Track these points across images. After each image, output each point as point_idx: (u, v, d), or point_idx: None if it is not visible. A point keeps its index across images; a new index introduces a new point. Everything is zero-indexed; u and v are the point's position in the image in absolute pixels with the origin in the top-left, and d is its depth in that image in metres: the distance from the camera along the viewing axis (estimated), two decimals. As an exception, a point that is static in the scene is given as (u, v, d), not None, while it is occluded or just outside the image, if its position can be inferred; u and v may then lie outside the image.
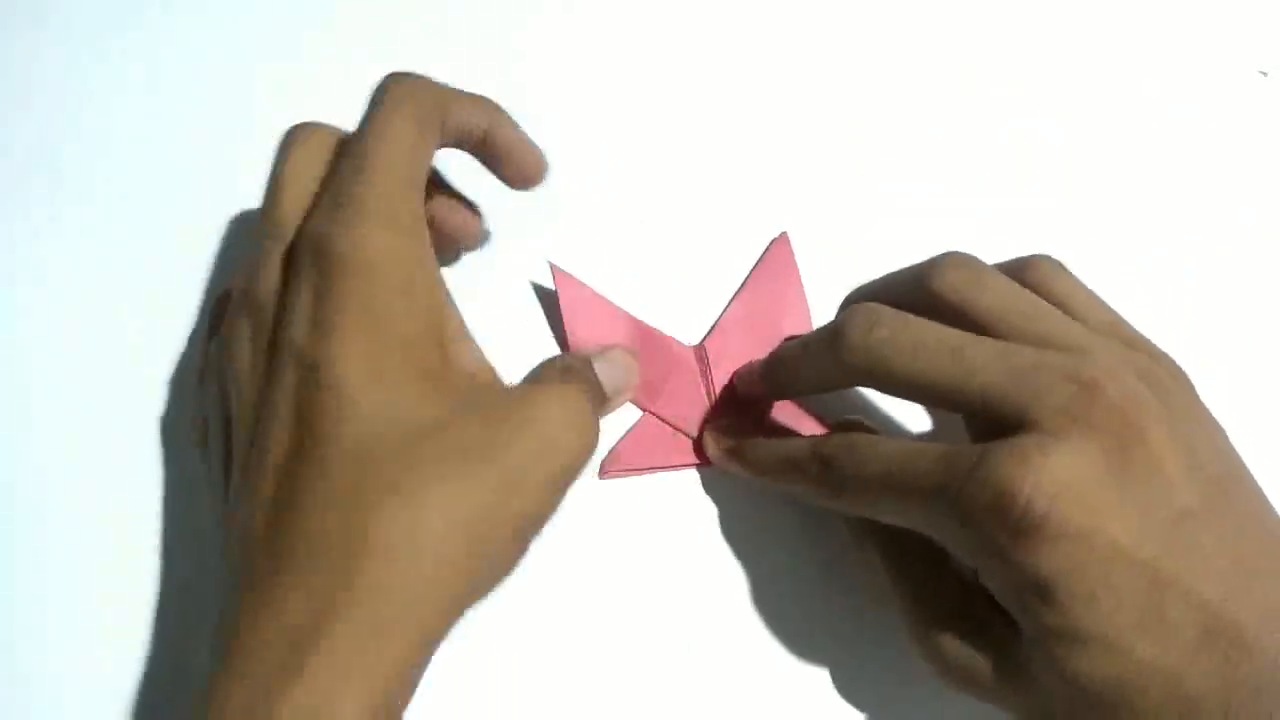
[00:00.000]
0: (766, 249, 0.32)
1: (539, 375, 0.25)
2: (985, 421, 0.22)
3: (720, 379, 0.30)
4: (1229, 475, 0.23)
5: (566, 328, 0.30)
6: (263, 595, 0.20)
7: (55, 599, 0.27)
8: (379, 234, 0.22)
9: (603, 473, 0.29)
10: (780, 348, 0.28)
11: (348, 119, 0.25)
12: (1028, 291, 0.25)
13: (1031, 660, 0.22)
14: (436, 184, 0.29)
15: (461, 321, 0.25)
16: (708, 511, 0.29)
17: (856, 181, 0.34)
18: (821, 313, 0.31)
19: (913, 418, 0.31)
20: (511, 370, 0.25)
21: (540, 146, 0.27)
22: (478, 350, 0.24)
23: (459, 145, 0.26)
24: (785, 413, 0.30)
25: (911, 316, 0.24)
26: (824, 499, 0.25)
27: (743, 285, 0.32)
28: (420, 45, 0.34)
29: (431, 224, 0.28)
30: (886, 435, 0.25)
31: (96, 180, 0.32)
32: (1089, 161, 0.35)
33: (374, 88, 0.25)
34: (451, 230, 0.29)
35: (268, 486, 0.21)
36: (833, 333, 0.24)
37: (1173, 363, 0.25)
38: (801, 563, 0.29)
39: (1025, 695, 0.22)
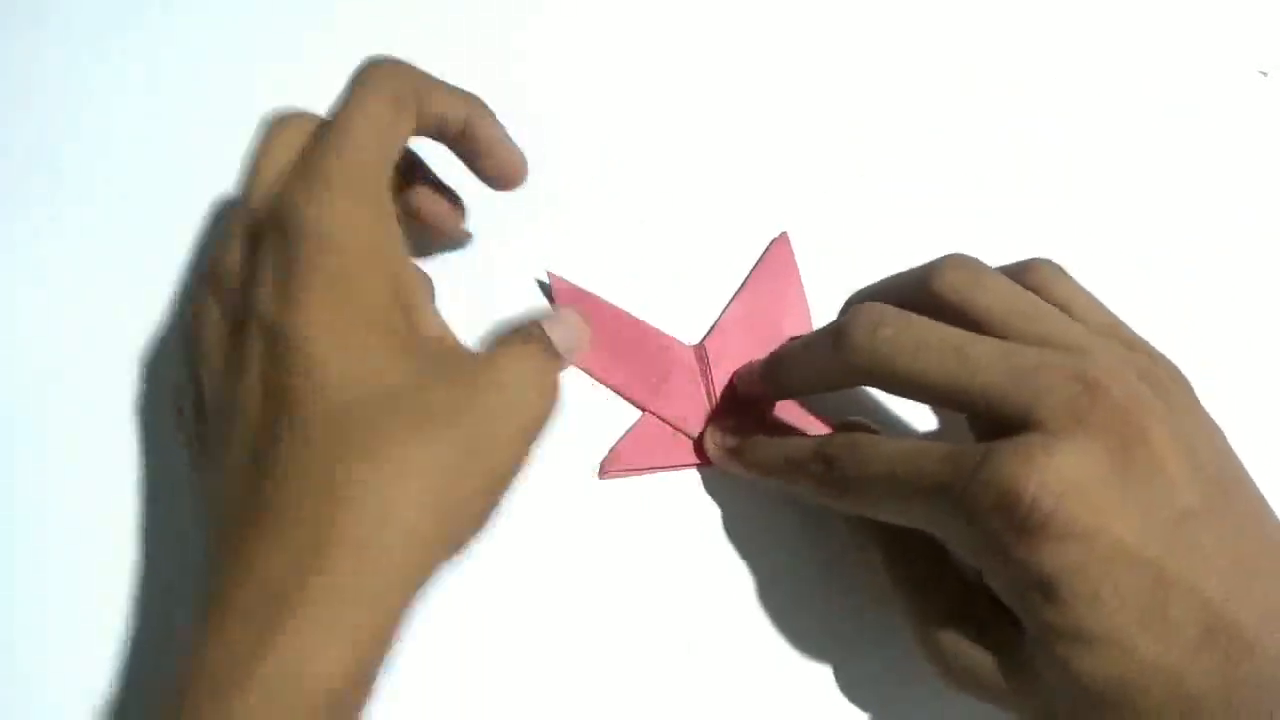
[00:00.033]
0: (766, 249, 0.32)
1: (500, 340, 0.25)
2: (988, 421, 0.22)
3: (720, 379, 0.30)
4: (1228, 476, 0.23)
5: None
6: (240, 559, 0.20)
7: (55, 599, 0.27)
8: (342, 203, 0.23)
9: (603, 473, 0.29)
10: (782, 347, 0.28)
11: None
12: (1029, 293, 0.25)
13: (1034, 659, 0.22)
14: (421, 175, 0.29)
15: (426, 290, 0.25)
16: (707, 511, 0.29)
17: (856, 181, 0.34)
18: (821, 313, 0.31)
19: (913, 418, 0.31)
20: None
21: (523, 148, 0.27)
22: (441, 319, 0.25)
23: (438, 136, 0.26)
24: (786, 413, 0.30)
25: (915, 315, 0.24)
26: (827, 498, 0.25)
27: (743, 285, 0.32)
28: (420, 45, 0.34)
29: (416, 213, 0.29)
30: (889, 435, 0.25)
31: (96, 180, 0.32)
32: (1089, 161, 0.35)
33: (354, 70, 0.25)
34: (432, 219, 0.29)
35: (241, 453, 0.22)
36: (836, 331, 0.24)
37: (1172, 365, 0.25)
38: (801, 563, 0.29)
39: (1027, 695, 0.23)
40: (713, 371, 0.30)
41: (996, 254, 0.26)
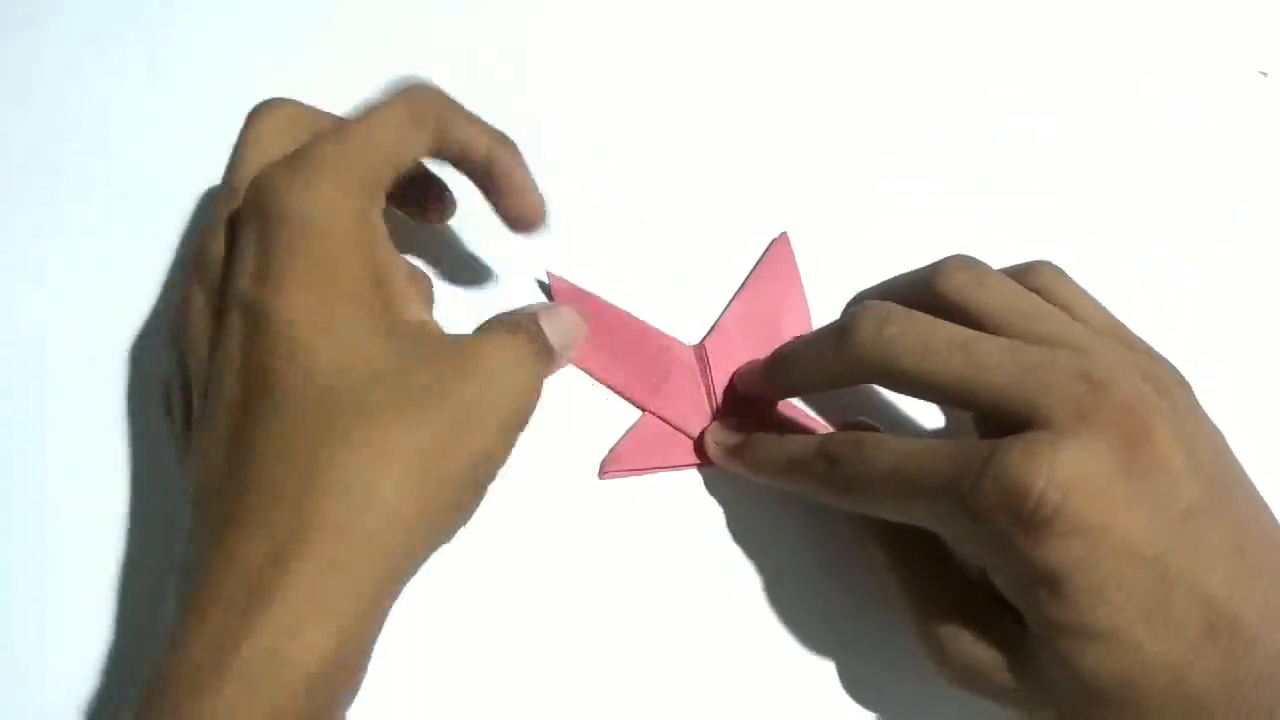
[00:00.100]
0: (766, 249, 0.32)
1: (486, 327, 0.25)
2: (993, 418, 0.22)
3: (720, 379, 0.30)
4: (1228, 475, 0.23)
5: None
6: (222, 543, 0.20)
7: (55, 599, 0.27)
8: (327, 189, 0.23)
9: (603, 473, 0.29)
10: (785, 345, 0.28)
11: (348, 118, 0.25)
12: (1031, 294, 0.25)
13: (1037, 656, 0.22)
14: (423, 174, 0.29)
15: (409, 276, 0.25)
16: (708, 511, 0.29)
17: (856, 181, 0.34)
18: (821, 313, 0.31)
19: (915, 417, 0.31)
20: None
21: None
22: (424, 305, 0.25)
23: (460, 164, 0.26)
24: (786, 412, 0.30)
25: (920, 314, 0.24)
26: (830, 497, 0.25)
27: (743, 285, 0.32)
28: (420, 45, 0.34)
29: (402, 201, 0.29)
30: (892, 433, 0.25)
31: (96, 180, 0.32)
32: (1089, 161, 0.35)
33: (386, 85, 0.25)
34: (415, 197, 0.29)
35: (223, 437, 0.22)
36: (841, 329, 0.24)
37: (1173, 367, 0.25)
38: (803, 562, 0.29)
39: (1031, 692, 0.23)
40: (713, 371, 0.30)
41: (997, 254, 0.26)
